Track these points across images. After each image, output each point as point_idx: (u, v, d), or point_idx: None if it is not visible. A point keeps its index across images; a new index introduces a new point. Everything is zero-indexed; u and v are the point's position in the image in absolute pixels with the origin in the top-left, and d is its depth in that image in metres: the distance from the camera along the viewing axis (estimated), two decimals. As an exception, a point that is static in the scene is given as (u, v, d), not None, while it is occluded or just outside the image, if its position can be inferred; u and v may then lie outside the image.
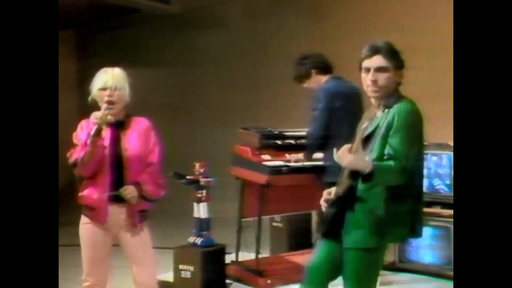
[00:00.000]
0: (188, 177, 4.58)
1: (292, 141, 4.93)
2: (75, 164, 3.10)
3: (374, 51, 2.64)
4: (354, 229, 2.63)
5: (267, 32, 8.60)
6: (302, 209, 5.31)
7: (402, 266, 4.96)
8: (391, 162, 2.49)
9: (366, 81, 2.65)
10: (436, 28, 6.54)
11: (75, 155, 3.10)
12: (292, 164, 4.61)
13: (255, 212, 4.79)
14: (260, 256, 4.79)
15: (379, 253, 2.71)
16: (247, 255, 4.91)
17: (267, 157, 4.71)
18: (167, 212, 8.65)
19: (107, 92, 3.17)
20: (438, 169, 4.85)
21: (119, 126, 3.24)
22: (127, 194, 3.11)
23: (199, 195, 4.58)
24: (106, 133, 3.15)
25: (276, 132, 4.99)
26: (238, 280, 4.78)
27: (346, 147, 2.50)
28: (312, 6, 8.15)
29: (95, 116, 3.09)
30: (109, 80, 3.19)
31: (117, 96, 3.20)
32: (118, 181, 3.14)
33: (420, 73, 6.45)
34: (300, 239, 5.53)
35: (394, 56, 2.65)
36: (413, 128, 2.57)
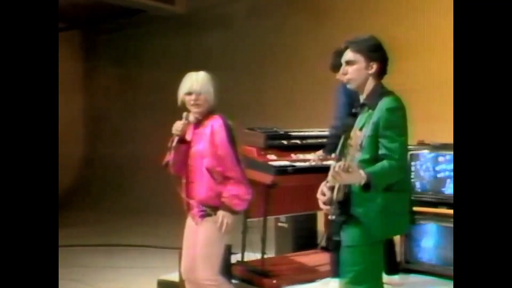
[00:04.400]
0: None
1: (298, 141, 4.92)
2: (167, 165, 3.43)
3: (346, 46, 2.83)
4: (352, 227, 2.69)
5: (271, 32, 8.60)
6: (307, 210, 5.29)
7: (408, 267, 4.94)
8: (389, 163, 2.57)
9: (340, 74, 2.91)
10: (437, 28, 6.52)
11: (167, 157, 3.43)
12: (297, 164, 4.61)
13: (260, 213, 4.78)
14: (265, 256, 4.78)
15: (377, 248, 2.76)
16: (252, 256, 4.90)
17: (272, 157, 4.70)
18: (172, 212, 8.68)
19: (193, 96, 3.35)
20: (440, 169, 4.83)
21: (196, 125, 3.42)
22: (221, 225, 3.28)
23: (205, 196, 4.57)
24: (190, 134, 3.42)
25: (281, 132, 4.98)
26: (244, 280, 4.76)
27: (338, 166, 2.51)
28: (316, 6, 8.15)
29: (176, 128, 3.39)
30: (193, 85, 3.36)
31: (202, 99, 3.36)
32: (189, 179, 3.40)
33: (420, 71, 6.46)
34: (305, 239, 5.52)
35: (362, 49, 2.77)
36: (402, 124, 2.66)
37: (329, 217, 2.79)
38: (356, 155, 2.48)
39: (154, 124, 10.34)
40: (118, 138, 10.89)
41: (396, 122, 2.63)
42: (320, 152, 4.59)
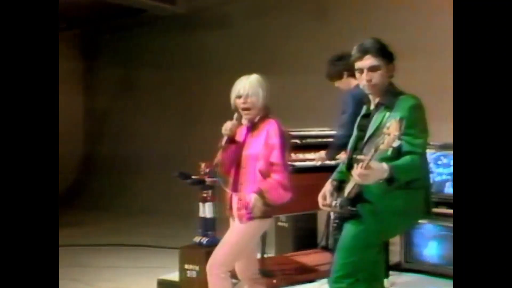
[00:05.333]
0: (193, 177, 4.59)
1: (298, 141, 4.92)
2: (216, 165, 3.52)
3: (364, 51, 2.81)
4: (369, 226, 2.69)
5: (272, 32, 8.61)
6: (307, 209, 5.28)
7: (408, 267, 4.95)
8: (411, 157, 2.58)
9: (362, 81, 2.83)
10: (438, 27, 6.52)
11: (217, 157, 3.50)
12: (297, 164, 4.61)
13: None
14: (265, 256, 4.78)
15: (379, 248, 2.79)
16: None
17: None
18: (172, 212, 8.68)
19: (241, 99, 3.41)
20: (441, 169, 4.83)
21: (251, 129, 3.46)
22: (252, 207, 3.32)
23: (205, 195, 4.59)
24: (241, 136, 3.46)
25: (281, 132, 4.97)
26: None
27: (360, 167, 2.50)
28: (317, 6, 8.15)
29: (225, 128, 3.46)
30: (242, 88, 3.42)
31: (251, 102, 3.41)
32: (237, 180, 3.44)
33: (422, 73, 6.46)
34: (305, 239, 5.52)
35: (383, 52, 2.81)
36: (422, 121, 2.69)
37: (332, 216, 2.80)
38: (395, 145, 2.45)
39: (155, 124, 10.36)
40: (118, 138, 10.89)
41: (419, 120, 2.66)
42: (322, 154, 4.59)
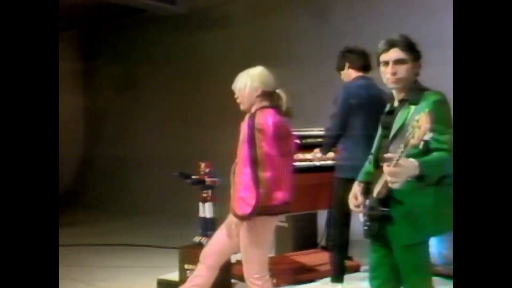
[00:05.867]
0: (193, 177, 4.59)
1: (297, 141, 4.91)
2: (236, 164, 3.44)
3: (391, 44, 2.73)
4: (402, 226, 2.64)
5: (273, 32, 8.60)
6: (307, 209, 5.30)
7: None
8: (439, 154, 2.53)
9: (386, 74, 2.74)
10: (438, 27, 6.52)
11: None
12: (297, 163, 4.61)
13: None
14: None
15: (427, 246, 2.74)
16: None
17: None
18: (172, 212, 8.69)
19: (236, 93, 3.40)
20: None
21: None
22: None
23: (205, 195, 4.59)
24: (245, 130, 3.35)
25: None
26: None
27: (392, 165, 2.44)
28: (318, 5, 8.15)
29: None
30: (235, 82, 3.45)
31: (239, 94, 3.41)
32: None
33: (422, 72, 6.45)
34: (305, 239, 5.53)
35: (411, 48, 2.75)
36: (448, 117, 2.63)
37: (362, 217, 2.74)
38: (426, 137, 2.39)
39: (154, 124, 10.36)
40: (118, 138, 10.89)
41: (445, 115, 2.61)
42: (317, 151, 4.62)
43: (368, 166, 2.96)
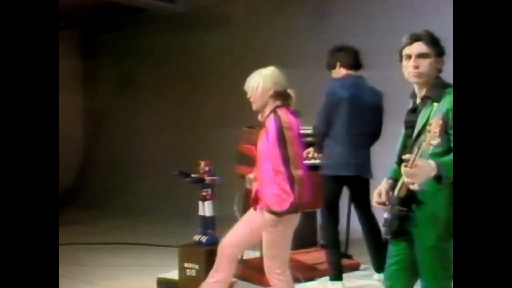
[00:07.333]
0: (193, 175, 4.60)
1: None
2: None
3: (415, 38, 2.69)
4: (427, 227, 2.61)
5: (272, 31, 8.61)
6: (307, 208, 5.30)
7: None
8: None
9: (408, 68, 2.68)
10: (438, 27, 6.52)
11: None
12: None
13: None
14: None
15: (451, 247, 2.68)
16: (251, 254, 4.91)
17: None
18: (172, 211, 8.70)
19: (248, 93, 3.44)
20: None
21: (263, 124, 3.44)
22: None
23: (204, 194, 4.60)
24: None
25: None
26: (243, 278, 4.77)
27: (409, 165, 2.41)
28: (316, 5, 8.15)
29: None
30: (246, 82, 3.50)
31: (252, 94, 3.45)
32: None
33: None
34: (304, 237, 5.52)
35: (434, 43, 2.69)
36: None
37: (385, 215, 2.69)
38: (434, 142, 2.36)
39: (154, 123, 10.37)
40: (118, 137, 10.90)
41: None
42: (310, 150, 4.64)
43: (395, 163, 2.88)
